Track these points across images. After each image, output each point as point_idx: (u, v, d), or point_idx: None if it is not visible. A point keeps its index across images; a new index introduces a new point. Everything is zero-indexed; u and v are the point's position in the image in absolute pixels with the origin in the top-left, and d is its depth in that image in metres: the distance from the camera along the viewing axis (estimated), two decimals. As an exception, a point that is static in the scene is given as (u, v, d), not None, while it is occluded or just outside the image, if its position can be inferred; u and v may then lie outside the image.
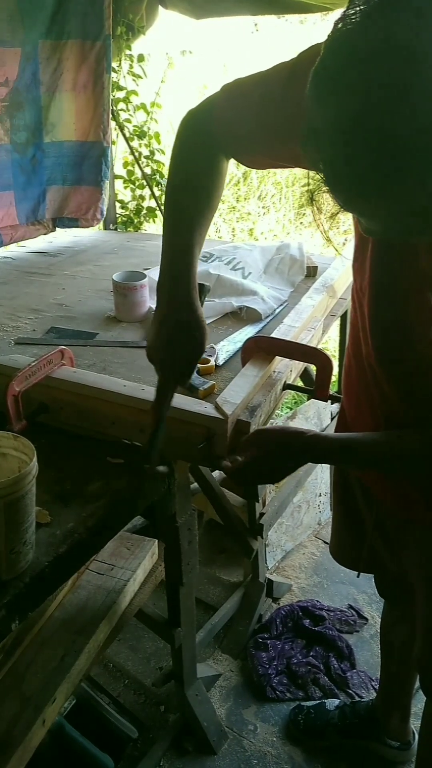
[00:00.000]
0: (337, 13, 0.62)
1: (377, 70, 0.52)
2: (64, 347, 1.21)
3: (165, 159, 2.94)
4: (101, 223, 2.64)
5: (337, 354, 2.37)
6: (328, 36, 0.57)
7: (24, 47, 1.97)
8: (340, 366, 2.00)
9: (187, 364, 1.00)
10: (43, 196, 2.24)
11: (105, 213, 2.49)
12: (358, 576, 1.31)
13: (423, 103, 0.51)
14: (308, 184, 0.66)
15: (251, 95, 0.89)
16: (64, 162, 2.27)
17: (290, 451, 0.95)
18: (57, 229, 2.38)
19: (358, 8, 0.55)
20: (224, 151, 0.98)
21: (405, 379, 0.92)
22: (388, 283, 0.87)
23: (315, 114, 0.57)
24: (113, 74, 2.55)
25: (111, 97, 2.39)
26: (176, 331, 0.96)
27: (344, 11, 0.57)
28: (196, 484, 1.56)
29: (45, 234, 2.33)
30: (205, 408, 1.08)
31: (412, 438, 0.90)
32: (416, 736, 1.59)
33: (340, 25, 0.56)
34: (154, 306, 1.60)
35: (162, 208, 2.98)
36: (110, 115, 2.35)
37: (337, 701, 1.69)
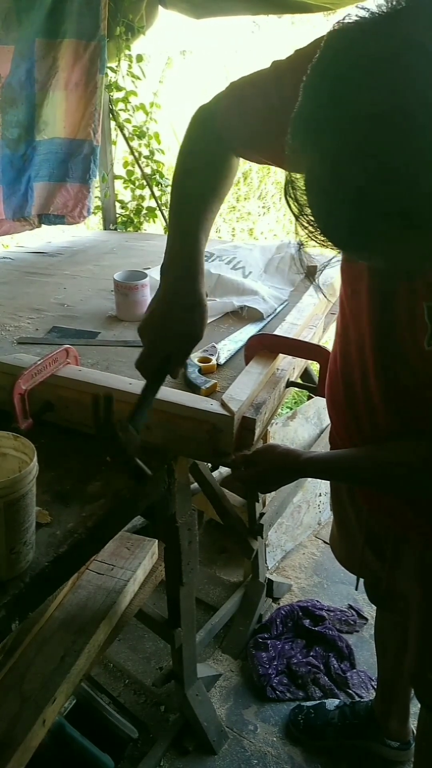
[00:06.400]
0: (339, 14, 0.61)
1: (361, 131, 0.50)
2: (68, 346, 1.21)
3: (165, 159, 2.94)
4: (101, 223, 2.64)
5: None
6: (304, 82, 0.55)
7: (17, 45, 1.97)
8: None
9: (180, 348, 0.95)
10: (31, 193, 2.24)
11: (92, 210, 2.49)
12: (356, 588, 1.31)
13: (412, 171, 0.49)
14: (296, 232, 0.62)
15: (250, 97, 0.89)
16: (52, 159, 2.28)
17: (284, 473, 1.05)
18: (43, 225, 2.38)
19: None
20: (229, 148, 0.98)
21: (398, 391, 0.90)
22: (384, 291, 0.85)
23: (301, 156, 0.56)
24: (113, 75, 2.56)
25: (105, 96, 2.39)
26: (174, 312, 0.92)
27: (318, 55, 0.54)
28: (196, 484, 1.56)
29: (30, 230, 2.33)
30: (211, 405, 1.08)
31: (395, 452, 0.91)
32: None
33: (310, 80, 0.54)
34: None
35: (162, 208, 2.98)
36: (101, 115, 2.35)
37: (337, 701, 1.69)
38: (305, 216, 0.58)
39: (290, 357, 1.33)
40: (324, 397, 1.13)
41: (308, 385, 1.35)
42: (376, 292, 0.85)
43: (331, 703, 1.68)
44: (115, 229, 2.87)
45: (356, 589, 1.31)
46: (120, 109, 2.73)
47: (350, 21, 0.53)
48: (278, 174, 4.93)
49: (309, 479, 2.16)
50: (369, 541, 1.18)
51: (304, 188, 0.57)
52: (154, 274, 1.74)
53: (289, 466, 1.02)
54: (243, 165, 1.05)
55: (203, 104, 0.99)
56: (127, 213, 3.00)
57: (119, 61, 2.61)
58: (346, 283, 0.94)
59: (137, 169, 2.90)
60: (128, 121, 2.78)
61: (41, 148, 2.21)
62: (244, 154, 0.98)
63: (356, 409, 0.99)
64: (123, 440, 0.90)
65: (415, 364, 0.84)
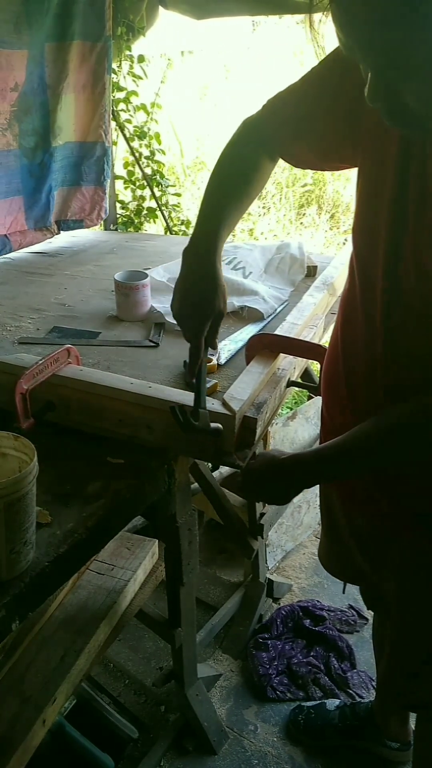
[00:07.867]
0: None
1: None
2: (70, 345, 1.21)
3: (165, 159, 2.94)
4: (102, 223, 2.64)
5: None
6: None
7: (30, 49, 1.95)
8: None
9: (201, 323, 1.01)
10: (52, 201, 2.23)
11: (108, 212, 2.49)
12: (344, 591, 1.29)
13: None
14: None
15: (295, 87, 0.99)
16: (65, 164, 2.26)
17: (273, 482, 1.01)
18: (62, 232, 2.37)
19: None
20: (271, 146, 1.05)
21: (405, 346, 0.88)
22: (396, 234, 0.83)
23: None
24: (113, 75, 2.56)
25: (112, 97, 2.39)
26: (192, 289, 1.00)
27: None
28: (196, 484, 1.56)
29: (51, 238, 2.32)
30: (212, 404, 1.08)
31: (393, 414, 0.88)
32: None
33: None
34: (155, 305, 1.62)
35: (162, 209, 2.98)
36: (111, 116, 2.35)
37: (337, 701, 1.69)
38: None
39: (291, 357, 1.33)
40: None
41: (309, 384, 1.35)
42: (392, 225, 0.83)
43: (332, 703, 1.68)
44: (116, 230, 2.87)
45: (343, 592, 1.29)
46: (121, 110, 2.73)
47: None
48: (278, 174, 4.93)
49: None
50: (357, 543, 1.17)
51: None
52: (155, 274, 1.74)
53: (275, 470, 1.00)
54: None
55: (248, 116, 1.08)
56: (128, 213, 3.00)
57: (120, 61, 2.61)
58: (356, 238, 0.94)
59: (138, 170, 2.91)
60: (129, 121, 2.78)
61: (57, 154, 2.19)
62: (286, 148, 1.06)
63: (355, 376, 0.97)
64: (200, 426, 1.03)
65: (412, 302, 0.83)
